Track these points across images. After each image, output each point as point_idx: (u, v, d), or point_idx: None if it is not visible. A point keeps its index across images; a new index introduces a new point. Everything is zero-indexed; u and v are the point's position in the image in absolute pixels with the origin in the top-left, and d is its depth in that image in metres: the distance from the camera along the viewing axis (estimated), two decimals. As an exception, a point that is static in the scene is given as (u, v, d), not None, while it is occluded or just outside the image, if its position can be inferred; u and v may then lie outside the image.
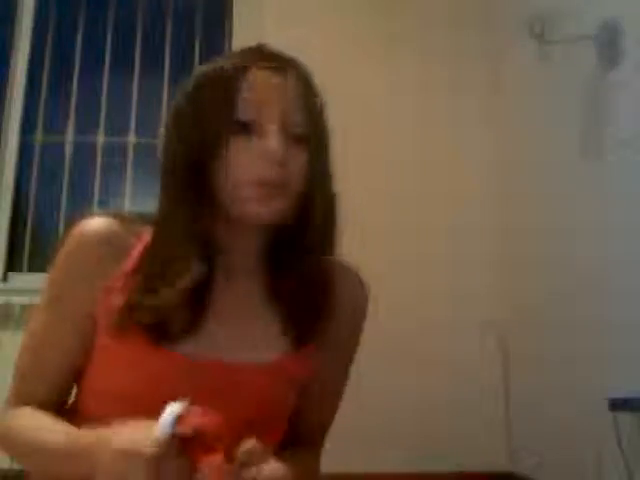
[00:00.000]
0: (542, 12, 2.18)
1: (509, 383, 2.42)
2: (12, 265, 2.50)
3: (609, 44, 1.87)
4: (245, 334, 0.81)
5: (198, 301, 0.78)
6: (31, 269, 2.52)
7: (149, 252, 0.79)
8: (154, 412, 0.68)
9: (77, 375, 0.83)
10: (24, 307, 2.24)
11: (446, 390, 2.37)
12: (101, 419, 0.74)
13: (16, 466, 0.84)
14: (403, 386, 2.31)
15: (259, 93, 0.78)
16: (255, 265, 0.85)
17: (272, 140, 0.76)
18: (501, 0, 2.65)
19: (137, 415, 0.69)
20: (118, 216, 0.82)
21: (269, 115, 0.77)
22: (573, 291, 2.02)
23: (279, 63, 0.82)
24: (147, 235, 0.81)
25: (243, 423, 0.78)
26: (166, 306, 0.75)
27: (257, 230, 0.83)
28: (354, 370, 0.97)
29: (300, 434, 0.91)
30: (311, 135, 0.81)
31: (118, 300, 0.76)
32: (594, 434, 1.82)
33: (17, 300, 2.28)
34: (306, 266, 0.83)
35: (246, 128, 0.77)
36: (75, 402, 0.84)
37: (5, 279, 2.47)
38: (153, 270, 0.77)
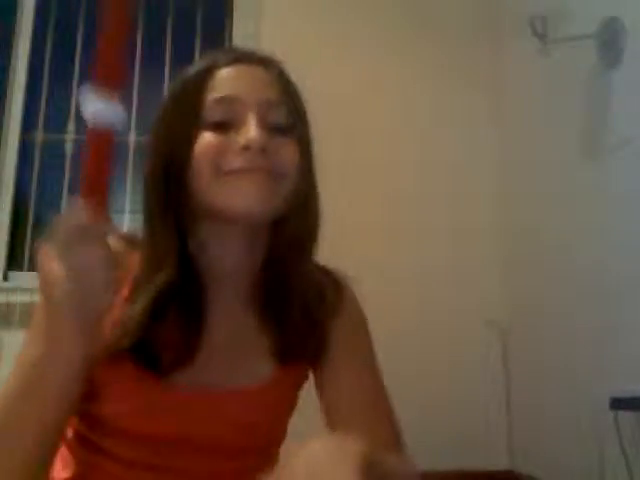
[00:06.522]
0: (544, 11, 2.18)
1: (510, 382, 2.42)
2: (13, 264, 2.50)
3: (610, 43, 1.87)
4: (234, 361, 0.77)
5: (191, 333, 0.73)
6: (32, 268, 2.51)
7: (136, 275, 0.75)
8: (148, 445, 0.72)
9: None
10: (25, 306, 2.24)
11: (447, 390, 2.37)
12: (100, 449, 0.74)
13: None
14: (404, 386, 2.30)
15: (228, 90, 0.74)
16: (248, 286, 0.79)
17: (250, 129, 0.71)
18: (502, -1, 2.65)
19: (132, 446, 0.72)
20: (121, 237, 0.78)
21: (243, 108, 0.73)
22: (574, 291, 2.02)
23: (249, 59, 0.77)
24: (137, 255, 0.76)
25: (235, 451, 0.77)
26: (133, 321, 0.69)
27: (246, 243, 0.77)
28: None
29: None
30: (295, 124, 0.75)
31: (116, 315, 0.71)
32: (595, 433, 1.82)
33: (18, 299, 2.27)
34: (299, 282, 0.78)
35: (223, 127, 0.72)
36: (73, 436, 0.78)
37: (6, 278, 2.47)
38: (134, 288, 0.73)
